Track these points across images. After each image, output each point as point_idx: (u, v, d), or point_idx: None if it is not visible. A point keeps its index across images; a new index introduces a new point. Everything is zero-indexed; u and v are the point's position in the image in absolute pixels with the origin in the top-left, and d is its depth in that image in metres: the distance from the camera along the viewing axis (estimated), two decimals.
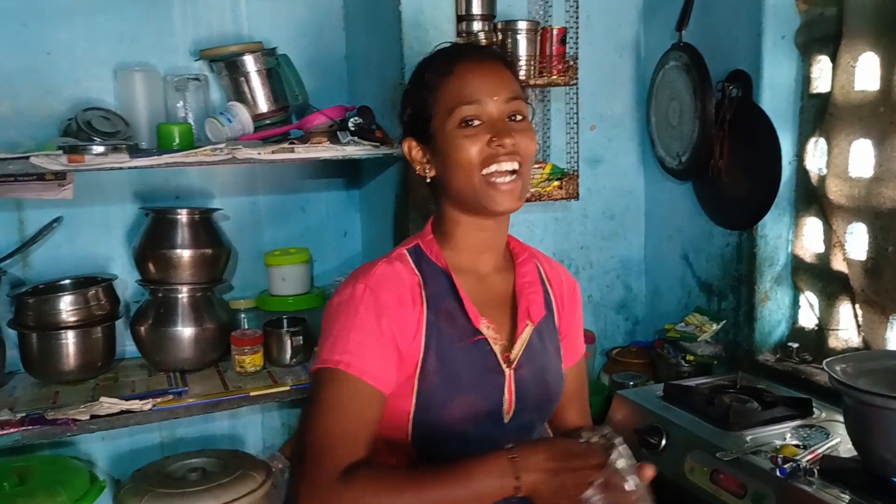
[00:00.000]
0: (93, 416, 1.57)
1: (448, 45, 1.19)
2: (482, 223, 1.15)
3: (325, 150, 1.65)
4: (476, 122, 1.09)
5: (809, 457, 1.51)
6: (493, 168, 1.09)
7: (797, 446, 1.58)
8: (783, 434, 1.66)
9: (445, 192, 1.15)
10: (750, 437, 1.65)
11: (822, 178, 1.96)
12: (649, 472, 1.01)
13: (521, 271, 1.22)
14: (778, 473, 1.47)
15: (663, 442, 1.76)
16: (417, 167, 1.17)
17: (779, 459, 1.50)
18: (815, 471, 1.46)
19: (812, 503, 1.39)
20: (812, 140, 2.00)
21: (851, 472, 1.45)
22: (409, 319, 1.08)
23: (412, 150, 1.17)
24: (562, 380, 1.25)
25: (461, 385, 1.10)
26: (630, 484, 0.95)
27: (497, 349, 1.14)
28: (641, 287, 2.56)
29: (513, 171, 1.10)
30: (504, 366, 1.14)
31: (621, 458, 0.96)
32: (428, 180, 1.17)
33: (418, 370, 1.08)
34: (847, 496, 1.39)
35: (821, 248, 2.01)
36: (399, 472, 1.04)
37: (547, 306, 1.23)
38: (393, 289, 1.09)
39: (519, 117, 1.12)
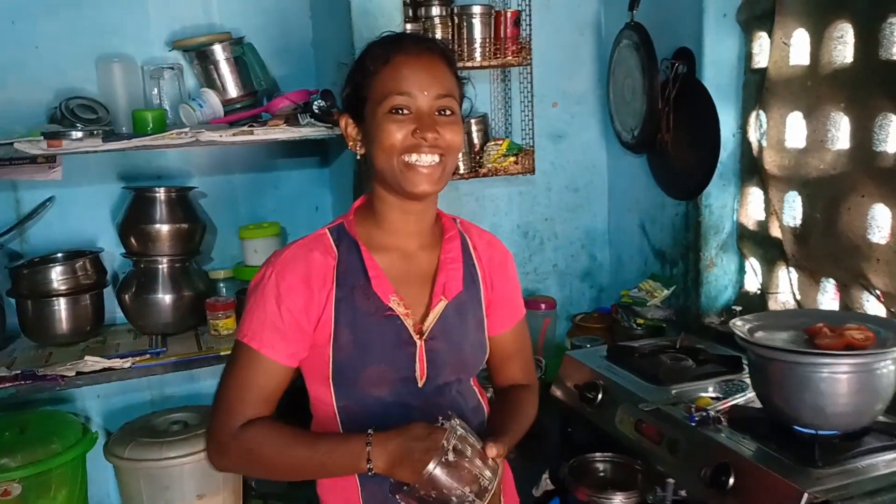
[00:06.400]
0: (78, 373, 1.77)
1: (392, 33, 1.26)
2: (407, 206, 1.22)
3: (281, 132, 1.81)
4: (405, 112, 1.15)
5: (720, 407, 1.64)
6: (414, 157, 1.15)
7: (714, 398, 1.70)
8: (707, 388, 1.78)
9: (373, 171, 1.23)
10: (675, 390, 1.78)
11: (762, 150, 2.06)
12: (491, 451, 1.12)
13: (446, 248, 1.28)
14: (689, 422, 1.60)
15: (599, 396, 1.89)
16: (350, 143, 1.24)
17: (692, 409, 1.63)
18: (724, 419, 1.59)
19: (717, 448, 1.50)
20: (753, 113, 2.09)
21: (757, 420, 1.57)
22: (313, 300, 1.18)
23: (348, 126, 1.24)
24: (482, 348, 1.32)
25: (372, 356, 1.19)
26: (470, 462, 1.07)
27: (408, 323, 1.21)
28: (606, 256, 2.68)
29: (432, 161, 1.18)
30: (416, 337, 1.21)
31: (458, 442, 1.07)
32: (358, 157, 1.27)
33: (331, 342, 1.18)
34: (749, 442, 1.50)
35: (762, 217, 2.12)
36: (287, 430, 1.15)
37: (471, 280, 1.30)
38: (298, 272, 1.18)
39: (448, 112, 1.18)
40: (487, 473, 1.10)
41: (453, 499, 1.06)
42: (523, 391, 1.41)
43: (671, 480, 1.50)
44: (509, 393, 1.40)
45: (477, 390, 1.37)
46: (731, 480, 1.43)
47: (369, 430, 1.10)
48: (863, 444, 1.45)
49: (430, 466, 1.05)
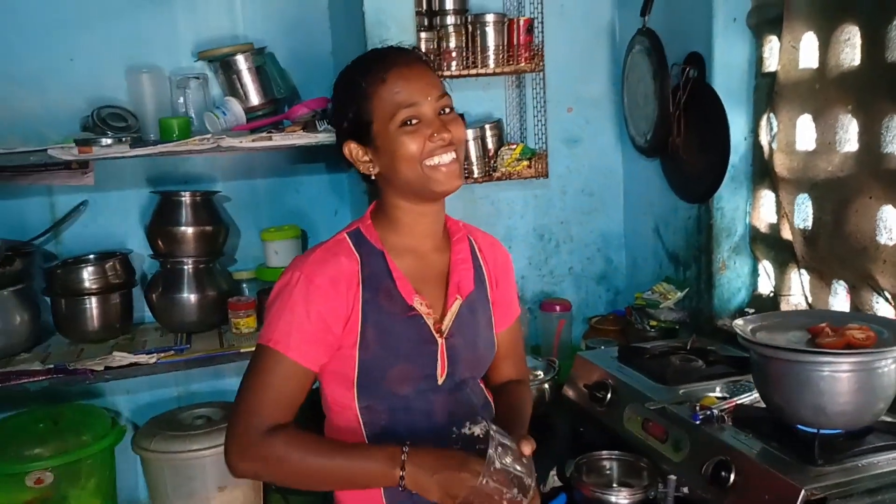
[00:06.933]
0: (107, 368, 1.87)
1: (374, 53, 1.30)
2: (423, 209, 1.28)
3: (298, 138, 1.88)
4: (415, 121, 1.20)
5: (725, 406, 1.66)
6: (436, 160, 1.21)
7: (720, 398, 1.72)
8: (714, 388, 1.80)
9: (391, 184, 1.26)
10: (683, 390, 1.80)
11: (773, 153, 2.08)
12: (527, 448, 1.16)
13: (456, 249, 1.34)
14: (693, 420, 1.63)
15: (609, 396, 1.92)
16: (361, 167, 1.27)
17: (697, 408, 1.65)
18: (728, 418, 1.61)
19: (719, 445, 1.53)
20: (764, 117, 2.11)
21: (760, 419, 1.59)
22: (342, 301, 1.21)
23: (353, 151, 1.26)
24: (492, 345, 1.38)
25: (399, 354, 1.24)
26: (511, 465, 1.11)
27: (430, 322, 1.26)
28: (622, 259, 2.71)
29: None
30: (437, 336, 1.26)
31: (499, 448, 1.11)
32: (373, 177, 1.28)
33: (358, 342, 1.22)
34: (752, 440, 1.52)
35: (774, 219, 2.13)
36: (315, 437, 1.18)
37: (479, 280, 1.36)
38: (327, 275, 1.20)
39: (448, 110, 1.24)
40: (525, 470, 1.14)
41: (504, 502, 1.11)
42: (521, 387, 1.47)
43: (673, 477, 1.52)
44: (509, 390, 1.45)
45: (482, 387, 1.42)
46: (732, 477, 1.46)
47: (404, 448, 1.14)
48: (864, 442, 1.46)
49: (482, 479, 1.09)
